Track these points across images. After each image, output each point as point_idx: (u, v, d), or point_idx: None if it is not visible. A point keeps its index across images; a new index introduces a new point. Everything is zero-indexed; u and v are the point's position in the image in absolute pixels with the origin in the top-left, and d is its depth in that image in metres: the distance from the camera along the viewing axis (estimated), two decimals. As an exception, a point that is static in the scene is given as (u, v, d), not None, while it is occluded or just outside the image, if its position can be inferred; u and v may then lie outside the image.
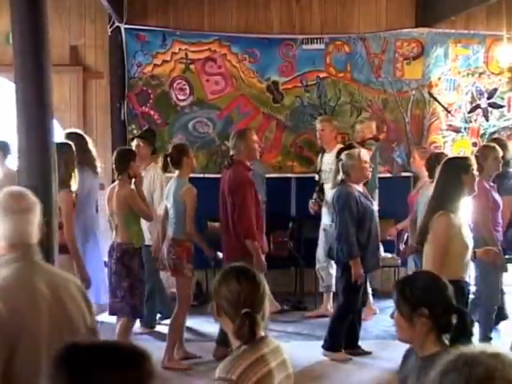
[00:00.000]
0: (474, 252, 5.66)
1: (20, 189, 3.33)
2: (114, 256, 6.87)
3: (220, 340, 6.90)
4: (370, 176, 7.37)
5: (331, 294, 8.71)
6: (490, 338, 7.08)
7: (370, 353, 7.39)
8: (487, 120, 10.08)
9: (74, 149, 6.69)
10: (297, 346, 7.47)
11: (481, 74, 10.04)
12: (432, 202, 5.49)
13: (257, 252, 7.01)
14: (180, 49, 9.70)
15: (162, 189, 7.85)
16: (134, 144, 8.15)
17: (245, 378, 3.02)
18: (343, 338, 7.23)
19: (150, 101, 9.73)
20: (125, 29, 9.56)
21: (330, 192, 8.22)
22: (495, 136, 9.49)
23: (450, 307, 3.10)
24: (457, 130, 10.01)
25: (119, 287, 6.81)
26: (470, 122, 10.06)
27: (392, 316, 3.26)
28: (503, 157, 7.51)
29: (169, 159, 7.17)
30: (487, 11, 9.82)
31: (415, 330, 3.11)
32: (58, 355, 1.86)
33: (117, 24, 9.50)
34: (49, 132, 4.78)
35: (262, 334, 3.16)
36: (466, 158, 5.82)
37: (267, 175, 9.24)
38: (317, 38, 9.85)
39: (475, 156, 6.95)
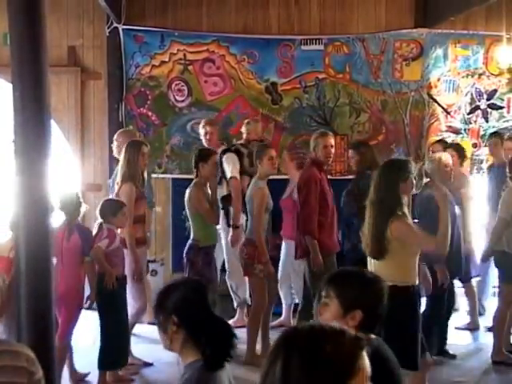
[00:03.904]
0: None
1: None
2: (184, 251, 7.28)
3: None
4: (451, 178, 7.22)
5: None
6: None
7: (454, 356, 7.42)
8: (487, 121, 10.04)
9: (145, 148, 7.20)
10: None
11: (480, 74, 10.01)
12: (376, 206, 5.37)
13: (314, 249, 7.08)
14: (178, 49, 9.67)
15: None
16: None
17: None
18: None
19: (148, 102, 9.70)
20: (123, 29, 9.52)
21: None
22: None
23: (204, 316, 3.04)
24: (456, 132, 9.97)
25: None
26: (470, 123, 10.03)
27: None
28: None
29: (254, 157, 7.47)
30: (486, 11, 9.78)
31: (169, 338, 3.04)
32: None
33: (115, 25, 9.47)
34: (46, 133, 4.74)
35: None
36: (405, 162, 5.74)
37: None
38: (315, 39, 9.82)
39: None
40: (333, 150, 7.44)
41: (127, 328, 6.80)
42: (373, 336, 3.11)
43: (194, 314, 3.03)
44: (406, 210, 5.34)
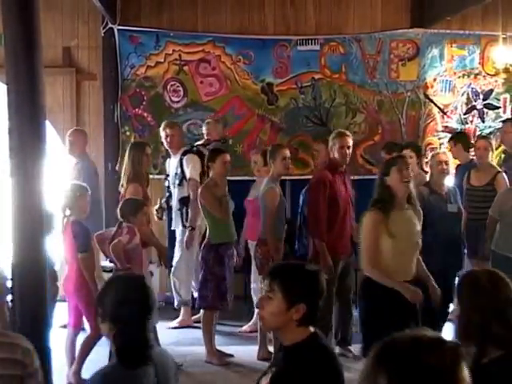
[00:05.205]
0: None
1: None
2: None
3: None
4: (448, 175, 7.33)
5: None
6: None
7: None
8: (483, 121, 10.03)
9: (148, 149, 7.45)
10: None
11: (476, 75, 9.99)
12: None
13: (323, 253, 7.04)
14: (173, 50, 9.64)
15: None
16: None
17: None
18: None
19: (144, 102, 9.67)
20: (118, 30, 9.49)
21: (176, 196, 8.41)
22: None
23: (119, 313, 3.15)
24: (453, 132, 9.94)
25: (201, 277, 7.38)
26: (466, 123, 10.01)
27: None
28: None
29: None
30: (483, 11, 9.77)
31: (99, 326, 3.26)
32: None
33: (110, 25, 9.44)
34: (41, 134, 4.73)
35: None
36: (389, 160, 5.91)
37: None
38: (311, 39, 9.79)
39: None
40: (349, 151, 7.33)
41: None
42: (311, 329, 3.14)
43: (112, 309, 3.15)
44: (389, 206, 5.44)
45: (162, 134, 8.58)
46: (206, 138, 8.88)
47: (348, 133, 7.58)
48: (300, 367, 2.98)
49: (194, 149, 8.59)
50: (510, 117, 9.65)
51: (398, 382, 1.78)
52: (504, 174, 8.07)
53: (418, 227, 5.57)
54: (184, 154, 8.46)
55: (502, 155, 9.09)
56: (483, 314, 3.19)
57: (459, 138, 8.68)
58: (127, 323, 3.11)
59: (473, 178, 8.09)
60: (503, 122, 9.32)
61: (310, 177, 8.91)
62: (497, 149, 9.74)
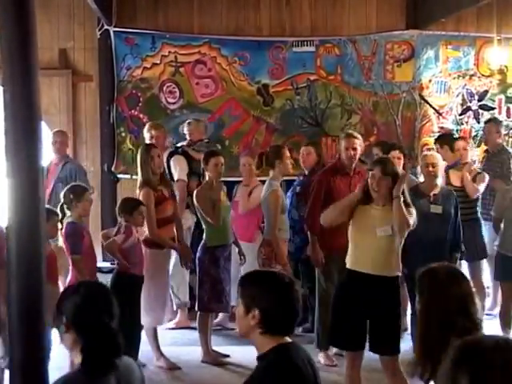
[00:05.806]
0: None
1: None
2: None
3: None
4: (436, 177, 7.27)
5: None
6: None
7: None
8: (478, 122, 10.04)
9: (155, 151, 7.23)
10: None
11: (471, 76, 10.02)
12: None
13: (313, 245, 7.17)
14: (169, 51, 9.66)
15: None
16: None
17: None
18: None
19: (140, 104, 9.68)
20: (114, 32, 9.50)
21: None
22: None
23: (88, 321, 3.07)
24: (448, 132, 9.96)
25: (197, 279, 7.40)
26: (462, 124, 10.04)
27: None
28: None
29: (264, 159, 7.62)
30: (477, 13, 9.80)
31: (60, 336, 3.15)
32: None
33: (106, 27, 9.45)
34: (37, 135, 4.73)
35: None
36: (375, 161, 6.11)
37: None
38: (307, 41, 9.82)
39: None
40: (355, 152, 7.21)
41: (139, 327, 6.78)
42: (285, 340, 3.09)
43: (79, 318, 3.06)
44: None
45: (147, 135, 8.48)
46: (188, 138, 8.84)
47: (355, 134, 7.45)
48: (260, 380, 3.01)
49: (180, 150, 8.58)
50: (491, 117, 9.67)
51: (483, 382, 1.81)
52: (486, 174, 8.12)
53: (382, 223, 5.64)
54: (170, 155, 8.44)
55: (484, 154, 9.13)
56: (444, 308, 3.25)
57: (444, 140, 8.70)
58: (93, 332, 3.04)
59: (453, 179, 8.12)
60: (485, 122, 9.38)
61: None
62: (478, 146, 9.87)
